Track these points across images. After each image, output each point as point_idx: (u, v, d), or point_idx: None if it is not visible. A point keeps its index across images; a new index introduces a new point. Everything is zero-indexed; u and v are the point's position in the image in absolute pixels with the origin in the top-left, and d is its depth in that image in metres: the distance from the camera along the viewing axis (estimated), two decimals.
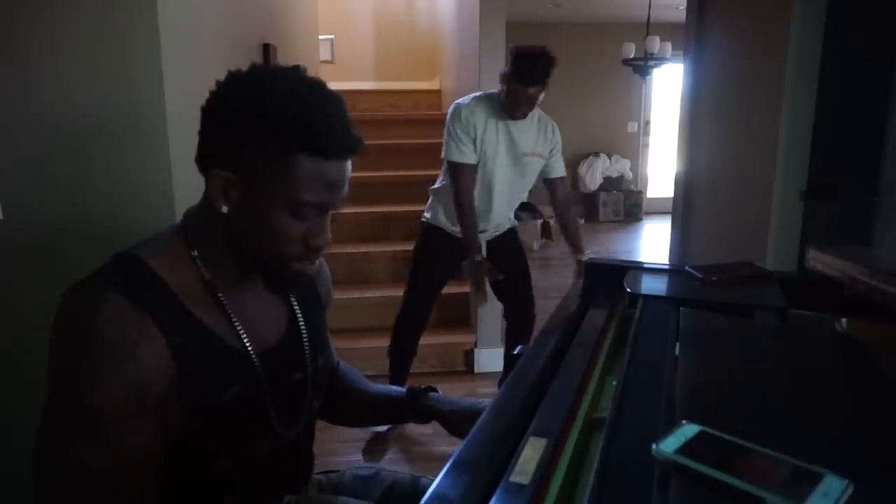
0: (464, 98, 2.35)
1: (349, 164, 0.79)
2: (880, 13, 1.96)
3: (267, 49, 2.21)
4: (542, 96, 2.25)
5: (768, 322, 0.90)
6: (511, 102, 2.24)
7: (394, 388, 1.10)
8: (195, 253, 0.80)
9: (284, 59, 2.47)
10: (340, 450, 2.34)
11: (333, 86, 0.81)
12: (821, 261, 1.07)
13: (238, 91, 0.76)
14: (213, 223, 0.80)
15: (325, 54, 5.05)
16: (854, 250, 1.09)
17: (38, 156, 1.22)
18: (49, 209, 1.24)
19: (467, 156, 2.28)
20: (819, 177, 2.17)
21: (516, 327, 2.63)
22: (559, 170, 2.48)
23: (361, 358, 2.97)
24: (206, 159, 0.78)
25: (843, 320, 0.94)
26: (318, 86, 0.78)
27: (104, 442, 0.72)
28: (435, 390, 1.06)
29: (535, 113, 2.36)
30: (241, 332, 0.82)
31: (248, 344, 0.83)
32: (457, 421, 1.00)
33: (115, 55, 1.21)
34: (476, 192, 2.35)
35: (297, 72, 0.79)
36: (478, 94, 2.37)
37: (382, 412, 1.10)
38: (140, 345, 0.72)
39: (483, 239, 2.48)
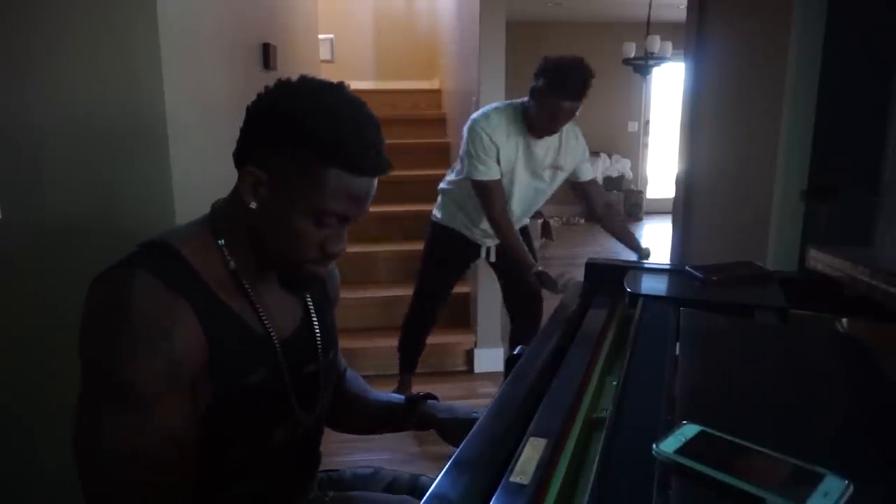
0: (480, 112, 2.19)
1: (375, 181, 0.82)
2: (881, 13, 1.96)
3: (267, 49, 2.21)
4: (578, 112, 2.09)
5: (768, 322, 0.90)
6: (545, 119, 2.07)
7: (393, 395, 1.12)
8: (221, 242, 0.83)
9: (284, 58, 2.47)
10: (340, 450, 2.35)
11: None
12: (821, 261, 1.07)
13: (283, 99, 0.79)
14: (238, 216, 0.82)
15: (325, 54, 5.04)
16: (854, 250, 1.09)
17: (38, 156, 1.22)
18: (49, 209, 1.24)
19: (493, 172, 2.14)
20: (819, 177, 2.17)
21: (521, 329, 2.55)
22: (587, 173, 2.33)
23: (363, 357, 2.97)
24: (242, 156, 0.81)
25: (844, 320, 0.94)
26: (359, 105, 0.81)
27: (141, 420, 0.72)
28: (434, 397, 1.08)
29: None
30: (265, 319, 0.85)
31: (271, 331, 0.85)
32: (452, 429, 1.01)
33: (115, 55, 1.21)
34: None
35: (341, 88, 0.82)
36: (496, 105, 2.21)
37: (382, 420, 1.11)
38: (174, 323, 0.74)
39: (492, 243, 2.40)
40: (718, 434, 0.53)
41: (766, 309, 0.93)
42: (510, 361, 0.96)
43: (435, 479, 0.57)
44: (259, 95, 0.82)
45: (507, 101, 2.24)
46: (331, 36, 5.31)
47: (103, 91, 1.22)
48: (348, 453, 2.34)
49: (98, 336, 0.74)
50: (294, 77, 0.82)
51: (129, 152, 1.26)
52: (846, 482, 0.46)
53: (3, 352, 1.27)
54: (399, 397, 1.09)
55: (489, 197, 2.14)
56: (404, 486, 1.08)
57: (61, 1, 1.18)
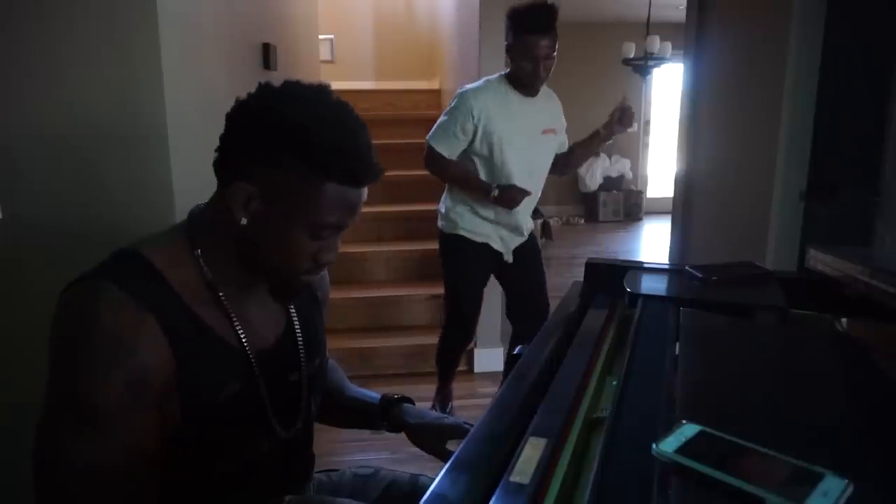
0: (472, 84, 2.14)
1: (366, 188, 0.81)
2: (880, 13, 1.96)
3: (267, 49, 2.21)
4: (555, 52, 2.04)
5: (768, 322, 0.90)
6: (527, 67, 2.01)
7: (369, 393, 1.10)
8: (198, 252, 0.81)
9: (284, 59, 2.47)
10: (340, 450, 2.35)
11: (333, 86, 0.81)
12: (821, 261, 1.07)
13: (273, 108, 0.76)
14: (221, 227, 0.80)
15: (325, 54, 5.04)
16: (854, 250, 1.09)
17: (39, 156, 1.22)
18: (49, 209, 1.24)
19: (452, 147, 2.10)
20: (819, 177, 2.17)
21: (521, 331, 2.43)
22: (566, 144, 2.37)
23: (361, 358, 2.97)
24: (228, 169, 0.78)
25: (843, 320, 0.94)
26: (348, 110, 0.78)
27: (103, 435, 0.71)
28: (410, 401, 1.07)
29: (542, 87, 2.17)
30: (240, 331, 0.83)
31: (246, 343, 0.83)
32: (420, 435, 1.01)
33: (115, 55, 1.21)
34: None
35: (327, 93, 0.79)
36: (488, 77, 2.16)
37: (356, 417, 1.09)
38: (140, 337, 0.72)
39: (509, 247, 2.29)
40: (718, 434, 0.54)
41: (766, 309, 0.93)
42: (510, 361, 0.97)
43: (435, 479, 0.57)
44: (240, 101, 0.78)
45: (493, 76, 2.17)
46: (331, 36, 5.31)
47: (103, 91, 1.22)
48: (348, 453, 2.34)
49: (63, 350, 0.72)
50: (279, 81, 0.79)
51: (129, 152, 1.26)
52: (846, 482, 0.46)
53: (3, 352, 1.27)
54: (374, 396, 1.08)
55: (438, 163, 2.13)
56: (404, 487, 1.08)
57: (61, 1, 1.18)
